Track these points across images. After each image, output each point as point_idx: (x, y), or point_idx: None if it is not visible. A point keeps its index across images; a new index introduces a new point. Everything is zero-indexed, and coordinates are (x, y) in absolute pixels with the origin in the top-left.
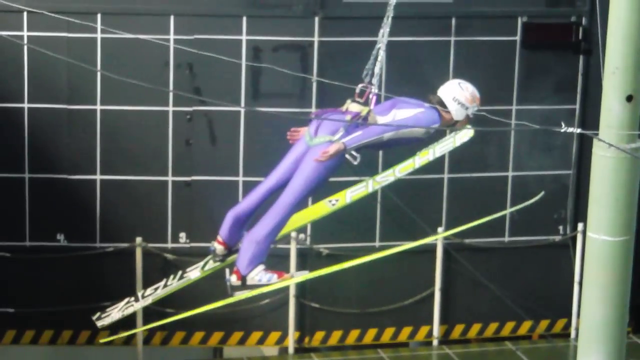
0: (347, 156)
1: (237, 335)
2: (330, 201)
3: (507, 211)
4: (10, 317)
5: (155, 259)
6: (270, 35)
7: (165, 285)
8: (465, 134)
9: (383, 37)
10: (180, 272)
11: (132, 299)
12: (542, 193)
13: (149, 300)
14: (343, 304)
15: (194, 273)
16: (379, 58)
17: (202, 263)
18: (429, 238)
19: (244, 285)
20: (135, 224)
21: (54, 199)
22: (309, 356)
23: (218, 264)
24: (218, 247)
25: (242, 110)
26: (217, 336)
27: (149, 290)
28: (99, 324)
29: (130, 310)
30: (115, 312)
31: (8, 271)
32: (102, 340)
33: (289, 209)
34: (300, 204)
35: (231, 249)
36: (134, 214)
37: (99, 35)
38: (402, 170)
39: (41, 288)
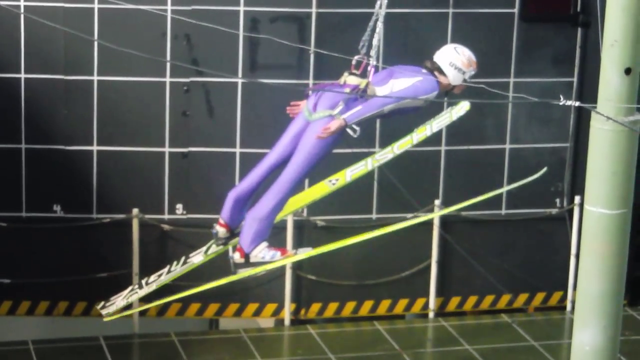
0: (347, 130)
1: (233, 307)
2: (330, 181)
3: (505, 189)
4: (6, 288)
5: (152, 230)
6: (268, 7)
7: (169, 271)
8: (462, 108)
9: (380, 8)
10: (183, 258)
11: (136, 286)
12: (545, 169)
13: (152, 287)
14: (339, 276)
15: (197, 258)
16: (377, 30)
17: (204, 248)
18: (429, 216)
19: (247, 263)
20: (132, 195)
21: (51, 169)
22: (305, 328)
23: (221, 247)
24: (220, 230)
25: (240, 82)
26: (213, 308)
27: (152, 277)
28: (104, 312)
29: (134, 298)
30: (120, 300)
31: (4, 242)
32: (107, 319)
33: (291, 186)
34: (302, 180)
35: (233, 231)
36: (131, 185)
37: (96, 6)
38: (400, 147)
39: (37, 259)
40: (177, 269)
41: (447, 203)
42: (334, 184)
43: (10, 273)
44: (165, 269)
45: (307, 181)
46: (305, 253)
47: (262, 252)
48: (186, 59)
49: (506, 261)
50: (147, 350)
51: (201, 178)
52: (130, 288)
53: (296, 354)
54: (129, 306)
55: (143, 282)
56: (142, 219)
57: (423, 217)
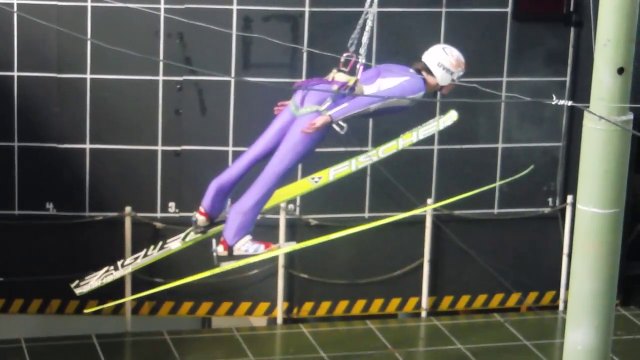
0: (334, 126)
1: (226, 306)
2: (313, 178)
3: (497, 184)
4: None
5: (145, 228)
6: (261, 5)
7: (145, 255)
8: (449, 118)
9: (371, 6)
10: (160, 243)
11: (112, 267)
12: (532, 167)
13: (128, 269)
14: (332, 275)
15: (174, 244)
16: (367, 28)
17: (183, 234)
18: (419, 209)
19: (230, 256)
20: (124, 193)
21: (43, 167)
22: (297, 327)
23: (199, 235)
24: (200, 218)
25: (233, 80)
26: (205, 306)
27: (128, 260)
28: (78, 291)
29: (109, 279)
30: (94, 281)
31: None
32: (86, 311)
33: (276, 180)
34: (287, 174)
35: (213, 220)
36: (123, 183)
37: (89, 4)
38: (385, 151)
39: (30, 257)
40: (153, 254)
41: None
42: (316, 181)
43: (2, 271)
44: (142, 253)
45: (299, 173)
46: (289, 247)
47: (245, 245)
48: (179, 57)
49: (499, 260)
50: (140, 349)
51: (194, 176)
52: (105, 269)
53: (288, 353)
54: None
55: (119, 263)
56: (135, 217)
57: (412, 211)
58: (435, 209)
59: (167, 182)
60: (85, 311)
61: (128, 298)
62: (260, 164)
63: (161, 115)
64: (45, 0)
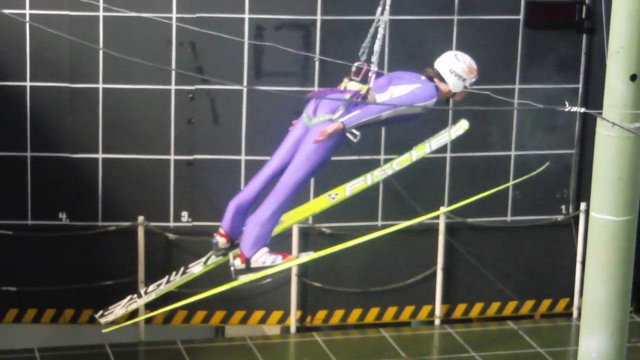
0: (347, 135)
1: (239, 315)
2: (330, 195)
3: (510, 183)
4: (12, 295)
5: (157, 237)
6: (273, 14)
7: (168, 281)
8: (460, 127)
9: (382, 14)
10: (182, 268)
11: (135, 295)
12: (547, 164)
13: (152, 296)
14: (345, 283)
15: (196, 268)
16: (379, 36)
17: (204, 258)
18: (431, 214)
19: (248, 268)
20: (137, 202)
21: (56, 177)
22: (310, 335)
23: (220, 258)
24: (220, 240)
25: (245, 89)
26: (219, 315)
27: (152, 287)
28: (103, 320)
29: (133, 307)
30: (118, 309)
31: (10, 250)
32: (104, 331)
33: (292, 191)
34: (303, 185)
35: (234, 241)
36: (136, 192)
37: (101, 14)
38: (399, 163)
39: (43, 267)
40: (176, 279)
41: (452, 210)
42: (333, 198)
43: (16, 281)
44: (165, 279)
45: (312, 192)
46: (307, 257)
47: (262, 257)
48: (191, 66)
49: (512, 268)
50: (153, 358)
51: (206, 185)
52: (129, 297)
53: None
54: (133, 315)
55: (142, 291)
56: (148, 226)
57: (426, 216)
58: (448, 217)
59: (180, 191)
60: (104, 331)
61: (142, 317)
62: (277, 179)
63: (173, 125)
64: (57, 10)
